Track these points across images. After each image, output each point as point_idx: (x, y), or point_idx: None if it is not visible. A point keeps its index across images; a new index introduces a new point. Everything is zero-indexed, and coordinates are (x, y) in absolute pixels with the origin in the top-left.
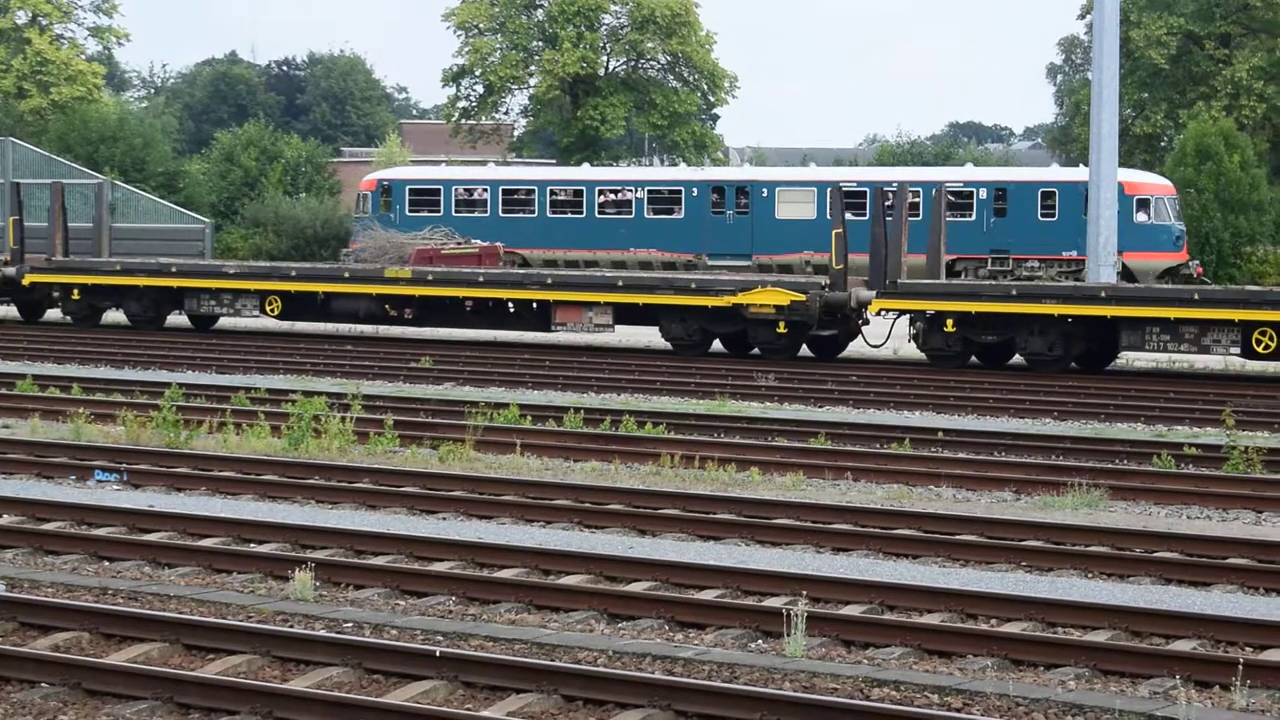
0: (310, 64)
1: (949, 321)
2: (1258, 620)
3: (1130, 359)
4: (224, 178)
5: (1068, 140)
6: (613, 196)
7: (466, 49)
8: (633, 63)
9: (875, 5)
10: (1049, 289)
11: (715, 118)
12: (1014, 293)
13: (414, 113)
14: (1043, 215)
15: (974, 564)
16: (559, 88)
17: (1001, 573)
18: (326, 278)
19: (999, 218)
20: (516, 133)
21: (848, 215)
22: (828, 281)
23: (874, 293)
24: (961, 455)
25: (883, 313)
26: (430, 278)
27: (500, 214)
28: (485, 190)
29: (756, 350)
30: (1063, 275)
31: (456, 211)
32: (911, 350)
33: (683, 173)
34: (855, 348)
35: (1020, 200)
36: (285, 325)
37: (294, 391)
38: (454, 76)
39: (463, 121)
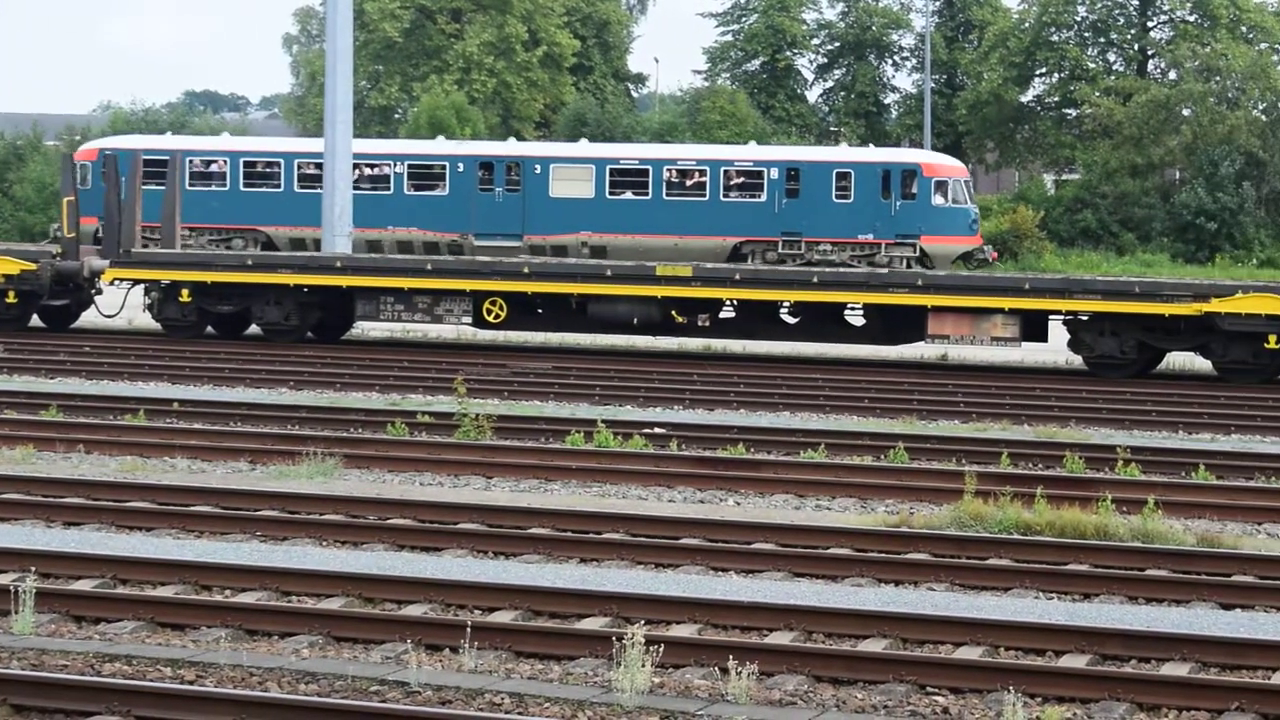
0: None
1: (184, 291)
2: (486, 583)
3: (366, 329)
4: None
5: (304, 111)
6: (369, 171)
7: None
8: None
9: None
10: (284, 259)
11: None
12: (249, 262)
13: None
14: (837, 197)
15: (209, 535)
16: None
17: (237, 543)
18: None
19: (791, 199)
20: None
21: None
22: (59, 251)
23: (108, 262)
24: (197, 426)
25: (117, 282)
26: None
27: (241, 188)
28: (224, 162)
29: None
30: (856, 259)
31: (191, 184)
32: (147, 320)
33: (447, 146)
34: (89, 318)
35: (814, 181)
36: None
37: None
38: None
39: None
